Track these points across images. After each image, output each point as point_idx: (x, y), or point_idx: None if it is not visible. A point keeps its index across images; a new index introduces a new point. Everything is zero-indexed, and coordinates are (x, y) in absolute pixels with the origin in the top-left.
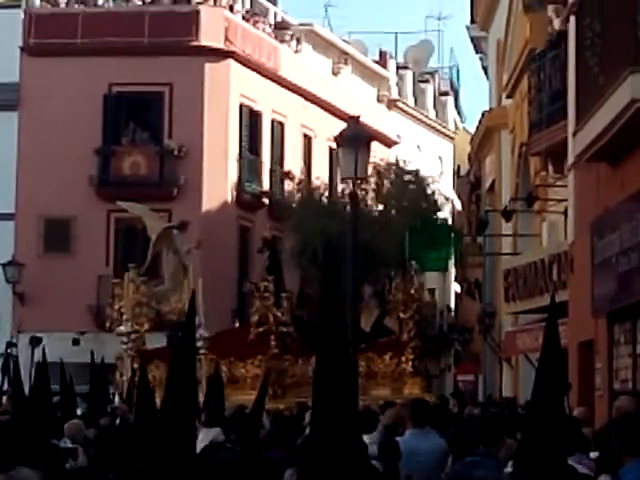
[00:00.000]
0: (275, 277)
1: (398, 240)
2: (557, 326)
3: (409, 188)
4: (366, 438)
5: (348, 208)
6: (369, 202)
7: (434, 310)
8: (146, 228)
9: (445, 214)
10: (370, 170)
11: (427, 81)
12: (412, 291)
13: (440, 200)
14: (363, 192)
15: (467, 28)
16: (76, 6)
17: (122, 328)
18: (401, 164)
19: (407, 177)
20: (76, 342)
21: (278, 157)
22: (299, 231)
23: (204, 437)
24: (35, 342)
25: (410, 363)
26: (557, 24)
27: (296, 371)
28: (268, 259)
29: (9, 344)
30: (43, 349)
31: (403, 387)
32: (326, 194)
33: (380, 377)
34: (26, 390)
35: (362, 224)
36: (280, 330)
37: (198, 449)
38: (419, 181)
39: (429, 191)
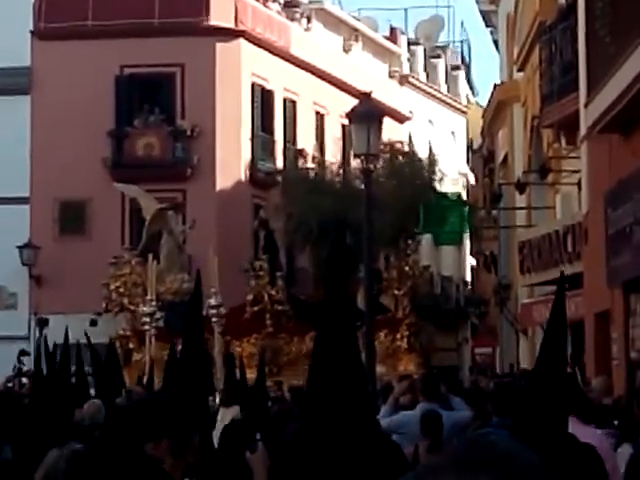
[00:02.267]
0: (270, 256)
1: (393, 218)
2: (565, 299)
3: (403, 168)
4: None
5: (338, 185)
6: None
7: (430, 287)
8: (141, 209)
9: (458, 188)
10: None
11: (438, 56)
12: (407, 268)
13: (439, 176)
14: (372, 167)
15: (477, 2)
16: None
17: (145, 309)
18: (397, 145)
19: (401, 158)
20: (94, 323)
21: (291, 135)
22: (286, 209)
23: (223, 416)
24: (42, 323)
25: (405, 340)
26: None
27: (291, 349)
28: (264, 238)
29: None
30: (66, 331)
31: (398, 364)
32: (339, 171)
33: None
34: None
35: (356, 202)
36: (275, 309)
37: (218, 429)
38: (413, 160)
39: (425, 171)
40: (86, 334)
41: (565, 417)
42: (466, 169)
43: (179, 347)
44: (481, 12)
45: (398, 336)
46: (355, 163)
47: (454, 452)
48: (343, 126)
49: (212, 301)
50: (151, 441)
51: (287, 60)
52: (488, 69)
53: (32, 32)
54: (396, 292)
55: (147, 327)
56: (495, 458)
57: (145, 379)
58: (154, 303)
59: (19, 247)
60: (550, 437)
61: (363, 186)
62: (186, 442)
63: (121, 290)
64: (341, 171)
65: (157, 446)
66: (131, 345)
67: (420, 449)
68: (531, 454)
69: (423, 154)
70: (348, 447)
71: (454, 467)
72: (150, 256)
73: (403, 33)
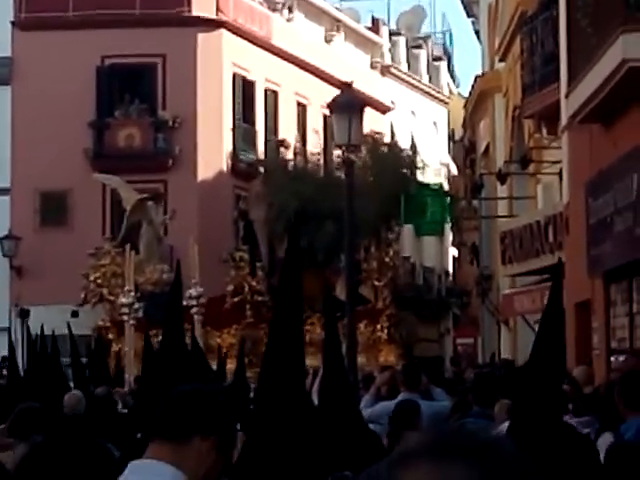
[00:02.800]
0: (250, 247)
1: (374, 209)
2: (561, 288)
3: (384, 158)
4: (363, 402)
5: (321, 173)
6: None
7: (412, 278)
8: (121, 199)
9: (440, 179)
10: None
11: (420, 47)
12: (387, 259)
13: (421, 167)
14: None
15: None
16: None
17: (124, 299)
18: (376, 136)
19: (382, 148)
20: (75, 314)
21: (272, 125)
22: (267, 199)
23: None
24: (23, 314)
25: (385, 331)
26: None
27: None
28: (243, 229)
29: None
30: (73, 325)
31: (378, 354)
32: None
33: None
34: (19, 362)
35: (336, 192)
36: (255, 299)
37: None
38: (395, 151)
39: (407, 161)
40: (69, 325)
41: (561, 409)
42: (448, 159)
43: (158, 338)
44: (463, 2)
45: (378, 327)
46: (337, 153)
47: (429, 439)
48: (325, 116)
49: (192, 291)
50: (199, 434)
51: (268, 50)
52: (470, 60)
53: (13, 22)
54: (376, 283)
55: (126, 318)
56: (470, 445)
57: (128, 370)
58: (133, 294)
59: None
60: (547, 426)
61: (344, 176)
62: (231, 439)
63: (100, 281)
64: (322, 161)
65: (205, 440)
66: (110, 336)
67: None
68: (508, 443)
69: (405, 144)
70: (326, 436)
71: (429, 454)
72: (128, 246)
73: (385, 24)
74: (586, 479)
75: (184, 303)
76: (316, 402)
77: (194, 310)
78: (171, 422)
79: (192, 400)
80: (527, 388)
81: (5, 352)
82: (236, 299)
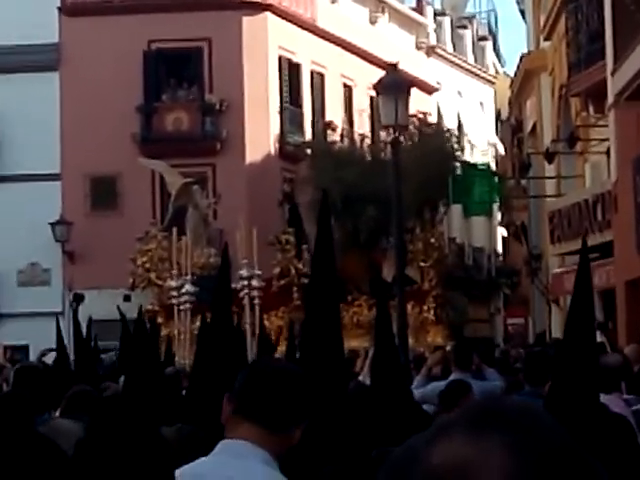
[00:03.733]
0: (296, 229)
1: (419, 190)
2: (589, 267)
3: (431, 139)
4: (415, 382)
5: (367, 155)
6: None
7: (461, 259)
8: (166, 184)
9: (487, 159)
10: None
11: (465, 27)
12: (432, 240)
13: (468, 147)
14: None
15: None
16: None
17: (172, 283)
18: (421, 117)
19: (428, 129)
20: (127, 298)
21: (319, 108)
22: (314, 181)
23: None
24: (78, 299)
25: (432, 312)
26: None
27: None
28: (289, 212)
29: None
30: (140, 307)
31: (426, 336)
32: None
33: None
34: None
35: (381, 173)
36: (302, 282)
37: None
38: (441, 131)
39: (453, 141)
40: (119, 309)
41: (595, 386)
42: (495, 139)
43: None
44: None
45: (425, 308)
46: (383, 134)
47: (466, 411)
48: (371, 98)
49: (243, 272)
50: (301, 425)
51: (314, 33)
52: (515, 39)
53: (59, 8)
54: (422, 264)
55: (175, 301)
56: (506, 416)
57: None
58: (188, 277)
59: (51, 223)
60: (581, 407)
61: (390, 157)
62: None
63: (147, 265)
64: (369, 143)
65: (300, 427)
66: (159, 319)
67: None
68: (546, 415)
69: (452, 125)
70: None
71: (467, 425)
72: (174, 230)
73: (429, 4)
74: (620, 458)
75: (236, 285)
76: (368, 383)
77: (245, 292)
78: (271, 411)
79: (295, 391)
80: (560, 369)
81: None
82: (283, 282)
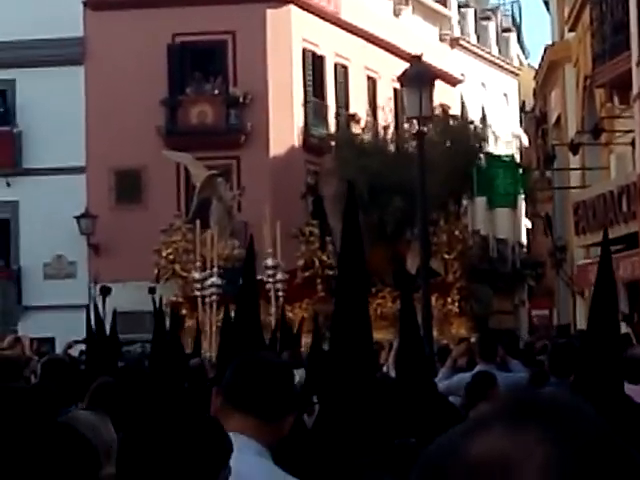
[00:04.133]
0: (319, 221)
1: (443, 182)
2: (611, 258)
3: (455, 130)
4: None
5: (391, 147)
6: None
7: (486, 250)
8: (190, 176)
9: (512, 150)
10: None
11: (489, 18)
12: (456, 232)
13: (492, 139)
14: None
15: None
16: None
17: (197, 275)
18: (445, 108)
19: (452, 121)
20: (152, 291)
21: (343, 100)
22: (339, 173)
23: None
24: (105, 291)
25: (456, 304)
26: None
27: None
28: (312, 204)
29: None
30: (160, 298)
31: (449, 328)
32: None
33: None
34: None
35: (406, 166)
36: (326, 273)
37: None
38: (465, 123)
39: (477, 133)
40: (153, 300)
41: (619, 377)
42: (519, 131)
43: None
44: None
45: (449, 300)
46: (407, 126)
47: (504, 404)
48: (395, 90)
49: (269, 261)
50: (292, 414)
51: (337, 25)
52: (539, 30)
53: (84, 2)
54: (446, 256)
55: (198, 293)
56: (545, 408)
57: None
58: (215, 269)
59: (77, 217)
60: (605, 397)
61: (415, 149)
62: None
63: (172, 257)
64: (392, 134)
65: (292, 415)
66: (183, 311)
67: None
68: (585, 405)
69: (476, 117)
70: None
71: (503, 418)
72: (197, 222)
73: None
74: None
75: (262, 277)
76: (393, 374)
77: (271, 281)
78: (262, 400)
79: (284, 381)
80: (584, 360)
81: (83, 332)
82: (307, 273)
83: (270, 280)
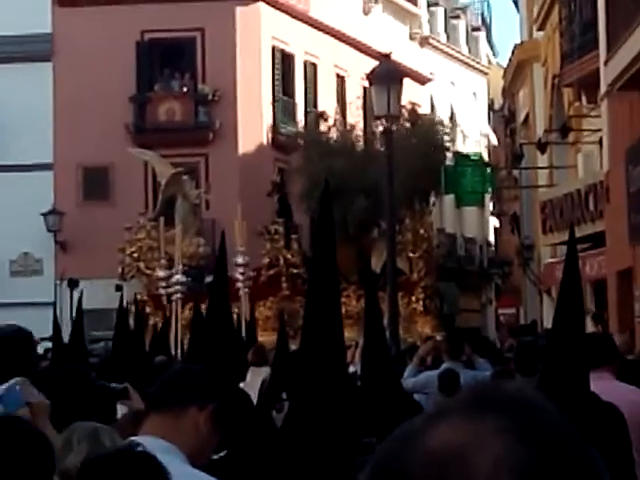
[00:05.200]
0: (285, 220)
1: (406, 180)
2: (577, 256)
3: (423, 129)
4: (406, 372)
5: (358, 146)
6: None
7: (452, 249)
8: (156, 174)
9: (480, 149)
10: None
11: (458, 17)
12: (422, 231)
13: (461, 137)
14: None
15: None
16: None
17: (161, 273)
18: (413, 107)
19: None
20: (119, 288)
21: (312, 98)
22: (306, 172)
23: (253, 376)
24: (74, 284)
25: (421, 302)
26: None
27: None
28: (277, 202)
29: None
30: (121, 296)
31: (414, 326)
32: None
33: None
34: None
35: (371, 164)
36: (291, 272)
37: (249, 387)
38: (434, 122)
39: (445, 132)
40: (121, 297)
41: (586, 375)
42: (487, 130)
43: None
44: None
45: (414, 299)
46: (375, 124)
47: (463, 395)
48: (364, 88)
49: (239, 259)
50: (197, 403)
51: (307, 23)
52: (508, 29)
53: None
54: (411, 255)
55: (163, 291)
56: (504, 400)
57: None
58: (180, 266)
59: (43, 214)
60: (571, 395)
61: (383, 148)
62: (225, 410)
63: (136, 255)
64: (362, 133)
65: (202, 409)
66: (147, 309)
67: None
68: (544, 398)
69: (444, 115)
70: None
71: (462, 409)
72: (161, 220)
73: None
74: (610, 447)
75: (231, 274)
76: (358, 373)
77: (241, 279)
78: (166, 395)
79: (184, 374)
80: (550, 359)
81: (50, 329)
82: (272, 272)
83: (240, 278)
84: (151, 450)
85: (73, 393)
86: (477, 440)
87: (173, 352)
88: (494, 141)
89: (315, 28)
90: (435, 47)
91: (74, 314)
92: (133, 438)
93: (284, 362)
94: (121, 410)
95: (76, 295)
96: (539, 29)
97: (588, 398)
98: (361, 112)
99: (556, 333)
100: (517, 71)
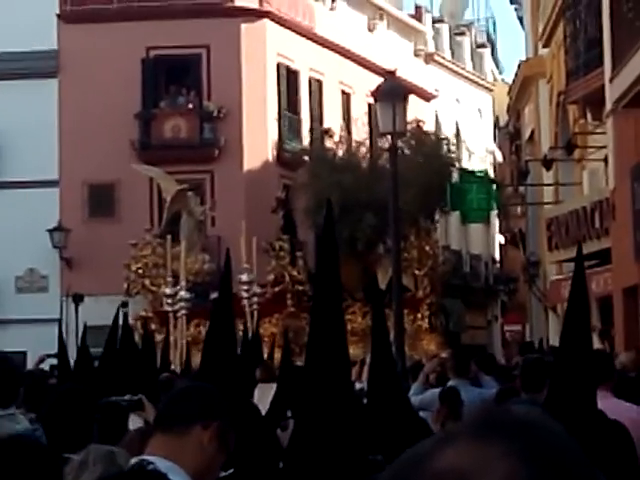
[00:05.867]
0: (290, 236)
1: (411, 197)
2: (584, 273)
3: (428, 146)
4: (412, 389)
5: (364, 163)
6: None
7: (457, 266)
8: (161, 190)
9: (485, 166)
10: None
11: (463, 34)
12: (427, 248)
13: (466, 154)
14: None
15: None
16: None
17: (167, 290)
18: (419, 124)
19: (425, 137)
20: (125, 305)
21: (317, 115)
22: (312, 188)
23: (262, 393)
24: (78, 299)
25: (426, 320)
26: None
27: None
28: (282, 218)
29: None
30: (125, 314)
31: (420, 343)
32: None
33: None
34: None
35: (378, 181)
36: (296, 289)
37: (260, 404)
38: (439, 138)
39: (451, 149)
40: (119, 314)
41: (593, 393)
42: (493, 146)
43: (200, 328)
44: None
45: (419, 316)
46: (381, 141)
47: (471, 419)
48: (369, 105)
49: (244, 277)
50: (201, 422)
51: (312, 40)
52: (513, 46)
53: (58, 15)
54: (416, 272)
55: (169, 308)
56: (512, 424)
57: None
58: (183, 284)
59: (49, 230)
60: (578, 413)
61: (388, 165)
62: (231, 427)
63: (141, 271)
64: (366, 150)
65: (206, 428)
66: (153, 326)
67: (435, 417)
68: (552, 422)
69: (450, 132)
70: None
71: (469, 432)
72: (169, 237)
73: (428, 11)
74: (618, 465)
75: (236, 291)
76: (365, 390)
77: (245, 296)
78: (170, 414)
79: (188, 392)
80: (557, 376)
81: (56, 346)
82: (277, 289)
83: (245, 295)
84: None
85: (70, 413)
86: (483, 464)
87: (178, 369)
88: (499, 158)
89: (320, 45)
90: (440, 64)
91: (79, 330)
92: (134, 459)
93: (289, 379)
94: (134, 423)
95: (81, 310)
96: (544, 46)
97: (595, 416)
98: (367, 129)
99: (563, 350)
100: (522, 88)
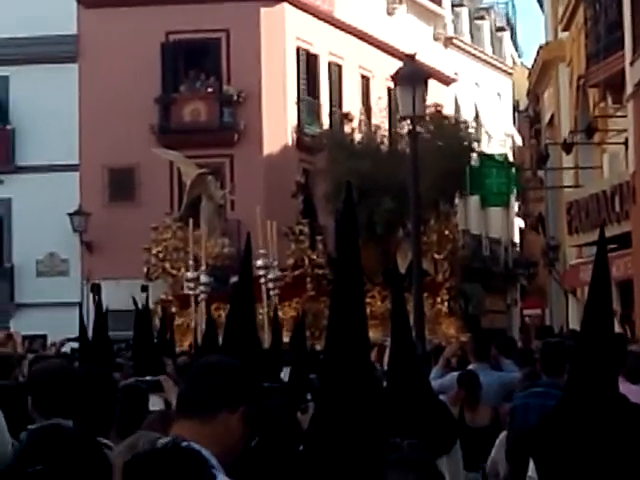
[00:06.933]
0: (310, 220)
1: (431, 181)
2: (607, 257)
3: (447, 130)
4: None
5: (383, 147)
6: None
7: (477, 250)
8: (181, 174)
9: (505, 150)
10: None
11: (483, 17)
12: (447, 232)
13: (485, 138)
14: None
15: None
16: None
17: (189, 274)
18: (438, 108)
19: (445, 121)
20: (144, 289)
21: (337, 99)
22: (331, 173)
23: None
24: (96, 289)
25: (445, 304)
26: None
27: None
28: (302, 203)
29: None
30: (147, 297)
31: (439, 327)
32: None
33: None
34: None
35: (397, 165)
36: (316, 272)
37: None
38: (458, 122)
39: (464, 133)
40: (146, 297)
41: (615, 378)
42: (512, 130)
43: (219, 312)
44: None
45: (438, 300)
46: (400, 125)
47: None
48: (388, 89)
49: (259, 262)
50: (227, 407)
51: (331, 24)
52: (533, 30)
53: (78, 0)
54: (436, 256)
55: (191, 292)
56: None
57: (193, 342)
58: (203, 268)
59: (70, 214)
60: (600, 397)
61: (408, 148)
62: (254, 410)
63: (162, 255)
64: (387, 134)
65: (233, 413)
66: (173, 309)
67: (453, 400)
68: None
69: (469, 116)
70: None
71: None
72: (190, 221)
73: None
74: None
75: (256, 275)
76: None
77: (262, 281)
78: (194, 398)
79: (215, 373)
80: (578, 360)
81: (76, 329)
82: (296, 272)
83: (262, 280)
84: None
85: (93, 395)
86: None
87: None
88: (519, 142)
89: (339, 29)
90: (459, 48)
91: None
92: (161, 440)
93: (303, 362)
94: (154, 404)
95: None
96: (564, 29)
97: (617, 400)
98: (386, 113)
99: (585, 334)
100: (542, 72)
